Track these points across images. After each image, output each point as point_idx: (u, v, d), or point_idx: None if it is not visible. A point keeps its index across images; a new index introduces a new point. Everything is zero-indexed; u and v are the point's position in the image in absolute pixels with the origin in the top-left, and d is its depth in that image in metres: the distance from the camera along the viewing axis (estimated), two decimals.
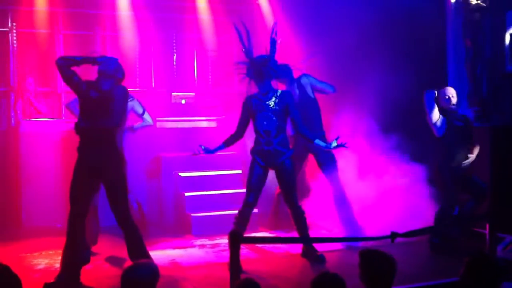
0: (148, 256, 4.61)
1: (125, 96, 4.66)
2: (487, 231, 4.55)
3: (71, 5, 7.58)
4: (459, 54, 6.80)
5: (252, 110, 5.24)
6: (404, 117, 6.57)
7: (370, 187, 6.16)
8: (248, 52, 5.24)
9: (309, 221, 5.39)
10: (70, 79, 4.56)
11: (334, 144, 5.12)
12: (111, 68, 4.61)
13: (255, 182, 5.26)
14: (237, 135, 5.34)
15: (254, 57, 5.20)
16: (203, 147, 5.29)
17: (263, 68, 5.13)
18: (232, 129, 5.41)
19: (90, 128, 4.50)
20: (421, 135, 6.04)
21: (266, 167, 5.29)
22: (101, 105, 4.50)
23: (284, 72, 6.01)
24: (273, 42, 5.21)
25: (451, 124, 5.50)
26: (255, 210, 5.48)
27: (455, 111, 5.55)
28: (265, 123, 5.20)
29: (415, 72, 6.48)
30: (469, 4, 6.63)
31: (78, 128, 4.54)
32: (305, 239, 5.31)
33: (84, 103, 4.56)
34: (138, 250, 4.58)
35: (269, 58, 5.17)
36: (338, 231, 5.98)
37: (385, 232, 4.07)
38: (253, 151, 5.32)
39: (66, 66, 4.53)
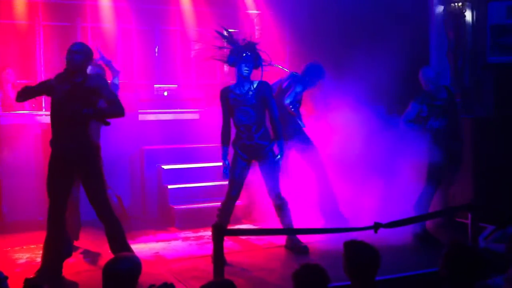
0: (130, 250, 4.57)
1: (106, 82, 4.57)
2: (469, 221, 4.59)
3: None
4: (441, 45, 6.83)
5: (230, 105, 5.19)
6: (386, 108, 6.56)
7: (351, 175, 6.17)
8: (230, 38, 5.19)
9: (292, 212, 5.40)
10: (38, 96, 4.60)
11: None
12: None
13: (237, 175, 5.23)
14: (227, 128, 5.26)
15: (240, 43, 5.17)
16: (225, 168, 5.22)
17: (249, 52, 5.09)
18: (214, 120, 5.36)
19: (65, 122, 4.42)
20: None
21: (248, 159, 5.26)
22: (75, 97, 4.40)
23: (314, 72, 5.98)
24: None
25: (433, 105, 5.55)
26: (238, 202, 5.46)
27: (433, 93, 5.59)
28: (244, 118, 5.14)
29: (397, 63, 6.48)
30: None
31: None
32: (289, 231, 5.30)
33: (57, 98, 4.46)
34: (119, 243, 4.53)
35: (256, 44, 5.15)
36: (322, 222, 5.98)
37: (369, 221, 4.08)
38: (235, 145, 5.27)
39: (26, 99, 4.52)
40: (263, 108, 5.19)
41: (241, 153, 5.22)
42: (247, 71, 5.10)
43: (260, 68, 5.20)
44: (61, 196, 4.48)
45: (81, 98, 4.37)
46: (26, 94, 4.44)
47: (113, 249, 4.54)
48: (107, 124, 4.51)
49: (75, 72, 4.41)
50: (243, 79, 5.14)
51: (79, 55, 4.40)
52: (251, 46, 5.14)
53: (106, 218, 4.55)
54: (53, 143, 4.50)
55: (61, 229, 4.51)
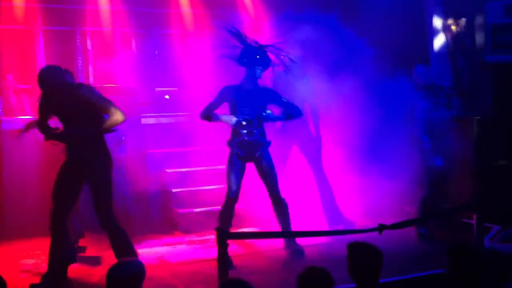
0: (136, 254, 4.56)
1: (93, 91, 4.58)
2: (474, 222, 4.58)
3: (50, 1, 7.46)
4: (441, 46, 6.83)
5: (233, 100, 5.20)
6: (384, 114, 6.53)
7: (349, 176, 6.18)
8: (240, 36, 5.22)
9: (295, 214, 5.40)
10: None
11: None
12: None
13: (235, 175, 5.21)
14: (211, 109, 5.27)
15: (252, 44, 5.20)
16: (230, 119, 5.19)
17: (262, 54, 5.14)
18: (218, 123, 5.36)
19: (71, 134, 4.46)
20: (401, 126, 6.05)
21: (245, 158, 5.23)
22: (69, 110, 4.43)
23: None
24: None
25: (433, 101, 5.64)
26: (240, 205, 5.44)
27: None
28: (246, 112, 5.17)
29: (397, 64, 6.47)
30: None
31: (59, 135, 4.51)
32: (291, 234, 5.29)
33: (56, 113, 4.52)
34: (124, 250, 4.52)
35: (268, 47, 5.20)
36: (324, 223, 5.99)
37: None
38: (232, 143, 5.25)
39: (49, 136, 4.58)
40: (264, 108, 5.21)
41: (238, 151, 5.20)
42: (260, 72, 5.18)
43: (269, 70, 5.26)
44: (67, 202, 4.50)
45: (73, 111, 4.42)
46: (45, 131, 4.54)
47: (118, 255, 4.53)
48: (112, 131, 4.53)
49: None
50: (252, 79, 5.17)
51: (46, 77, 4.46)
52: (264, 48, 5.20)
53: (108, 227, 4.54)
54: (66, 150, 4.54)
55: (63, 234, 4.51)
